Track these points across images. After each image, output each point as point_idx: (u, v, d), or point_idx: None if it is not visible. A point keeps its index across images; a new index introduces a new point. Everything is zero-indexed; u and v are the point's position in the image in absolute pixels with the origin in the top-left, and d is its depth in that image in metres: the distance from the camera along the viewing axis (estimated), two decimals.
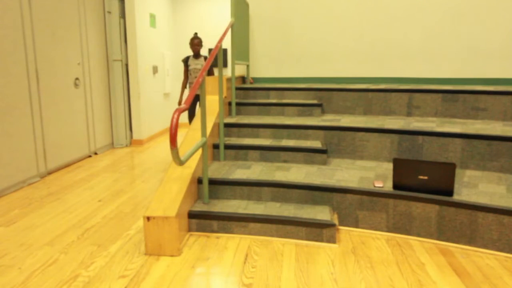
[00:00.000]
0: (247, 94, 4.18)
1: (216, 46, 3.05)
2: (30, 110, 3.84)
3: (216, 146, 3.32)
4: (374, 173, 2.97)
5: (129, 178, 3.98)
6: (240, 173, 2.99)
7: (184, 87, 4.71)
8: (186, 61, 4.60)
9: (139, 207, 3.18)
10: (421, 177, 2.54)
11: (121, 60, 5.42)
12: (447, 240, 2.51)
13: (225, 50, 6.85)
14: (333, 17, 4.50)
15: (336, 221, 2.56)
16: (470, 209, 2.41)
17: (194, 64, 4.57)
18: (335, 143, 3.38)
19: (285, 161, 3.26)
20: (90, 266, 2.25)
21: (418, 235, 2.59)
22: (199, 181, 2.87)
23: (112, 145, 5.53)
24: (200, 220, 2.65)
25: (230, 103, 3.94)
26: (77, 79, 4.63)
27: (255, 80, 4.80)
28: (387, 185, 2.71)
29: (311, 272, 2.18)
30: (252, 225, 2.61)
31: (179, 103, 4.63)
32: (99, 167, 4.44)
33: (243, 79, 4.66)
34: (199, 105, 4.22)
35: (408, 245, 2.50)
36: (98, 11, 5.08)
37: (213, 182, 2.86)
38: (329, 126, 3.38)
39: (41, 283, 2.07)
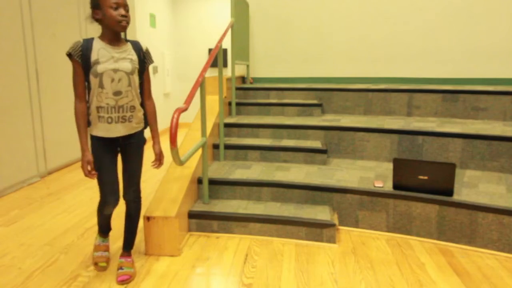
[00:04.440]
0: (247, 94, 4.18)
1: (216, 46, 3.05)
2: (30, 110, 3.84)
3: (216, 146, 3.32)
4: (374, 173, 2.97)
5: None
6: (240, 173, 2.99)
7: (86, 122, 1.91)
8: (83, 54, 1.83)
9: None
10: (421, 177, 2.54)
11: None
12: (447, 240, 2.51)
13: (225, 50, 6.85)
14: (333, 17, 4.50)
15: (336, 221, 2.56)
16: (470, 209, 2.41)
17: (110, 60, 1.86)
18: (335, 143, 3.38)
19: (285, 161, 3.26)
20: (90, 266, 2.25)
21: (418, 235, 2.59)
22: (199, 181, 2.87)
23: None
24: (200, 220, 2.65)
25: (230, 103, 3.94)
26: None
27: (255, 80, 4.80)
28: (387, 185, 2.71)
29: (311, 272, 2.17)
30: (252, 225, 2.61)
31: (86, 170, 1.89)
32: None
33: (243, 79, 4.66)
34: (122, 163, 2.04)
35: (408, 245, 2.50)
36: None
37: (213, 182, 2.86)
38: (329, 126, 3.38)
39: (41, 283, 2.07)
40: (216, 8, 7.05)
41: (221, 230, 2.65)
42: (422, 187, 2.55)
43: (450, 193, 2.50)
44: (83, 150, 1.88)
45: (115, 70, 1.85)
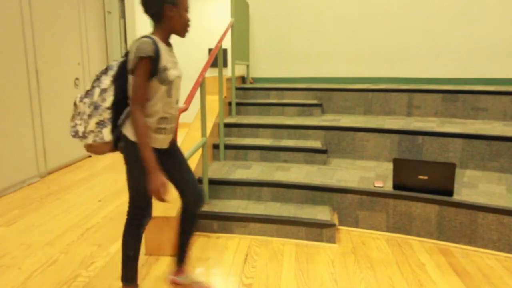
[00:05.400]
0: (247, 94, 4.17)
1: (216, 46, 3.05)
2: (30, 110, 3.84)
3: (216, 146, 3.32)
4: (374, 173, 2.97)
5: None
6: (240, 173, 2.99)
7: (147, 132, 1.59)
8: (155, 57, 1.56)
9: None
10: (421, 177, 2.54)
11: None
12: (447, 240, 2.51)
13: (225, 50, 6.85)
14: (333, 17, 4.50)
15: (336, 221, 2.56)
16: (470, 209, 2.41)
17: (174, 65, 1.69)
18: (335, 143, 3.38)
19: (285, 161, 3.26)
20: (90, 266, 2.25)
21: (418, 235, 2.59)
22: (199, 181, 2.86)
23: None
24: (200, 220, 2.65)
25: (230, 103, 3.94)
26: (77, 79, 4.63)
27: (255, 80, 4.80)
28: (387, 185, 2.71)
29: (311, 272, 2.17)
30: (252, 225, 2.61)
31: (161, 194, 1.59)
32: (99, 167, 4.44)
33: (243, 79, 4.66)
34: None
35: (408, 245, 2.50)
36: (98, 11, 5.08)
37: (213, 182, 2.86)
38: (329, 126, 3.38)
39: (41, 283, 2.07)
40: (216, 8, 7.04)
41: (221, 230, 2.65)
42: (422, 187, 2.55)
43: (450, 193, 2.50)
44: (154, 169, 1.57)
45: (179, 77, 1.71)
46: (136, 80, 1.57)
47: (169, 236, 2.37)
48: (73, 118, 1.76)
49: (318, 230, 2.51)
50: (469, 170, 3.04)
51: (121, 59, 1.71)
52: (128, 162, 1.71)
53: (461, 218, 2.45)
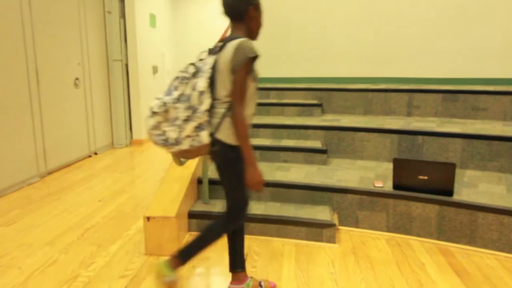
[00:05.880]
0: None
1: None
2: (30, 110, 3.84)
3: None
4: (374, 173, 2.97)
5: (129, 178, 3.99)
6: None
7: (248, 128, 1.72)
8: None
9: (139, 207, 3.18)
10: (421, 177, 2.54)
11: (121, 60, 5.43)
12: (447, 240, 2.51)
13: None
14: (333, 17, 4.50)
15: (336, 221, 2.56)
16: (470, 209, 2.41)
17: None
18: (335, 143, 3.38)
19: (285, 161, 3.26)
20: (90, 266, 2.25)
21: (418, 235, 2.59)
22: (199, 181, 2.87)
23: (112, 145, 5.53)
24: (200, 220, 2.65)
25: None
26: (77, 79, 4.63)
27: None
28: (387, 185, 2.71)
29: (311, 272, 2.17)
30: (252, 225, 2.61)
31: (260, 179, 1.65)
32: (99, 167, 4.44)
33: None
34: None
35: (408, 245, 2.50)
36: (98, 11, 5.08)
37: (213, 182, 2.86)
38: (329, 126, 3.38)
39: (41, 283, 2.07)
40: (216, 8, 7.05)
41: None
42: (422, 187, 2.55)
43: (450, 193, 2.50)
44: (255, 163, 1.63)
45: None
46: (242, 79, 1.60)
47: (169, 236, 2.37)
48: (158, 126, 1.69)
49: (318, 230, 2.52)
50: (469, 170, 3.04)
51: (209, 61, 1.68)
52: (226, 165, 1.72)
53: (461, 218, 2.45)
